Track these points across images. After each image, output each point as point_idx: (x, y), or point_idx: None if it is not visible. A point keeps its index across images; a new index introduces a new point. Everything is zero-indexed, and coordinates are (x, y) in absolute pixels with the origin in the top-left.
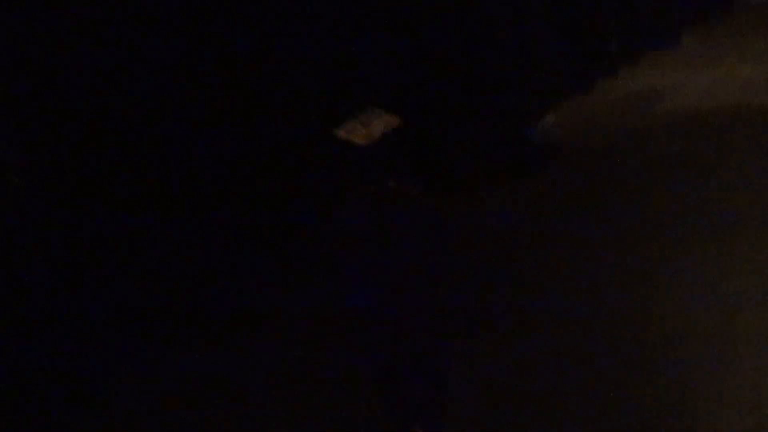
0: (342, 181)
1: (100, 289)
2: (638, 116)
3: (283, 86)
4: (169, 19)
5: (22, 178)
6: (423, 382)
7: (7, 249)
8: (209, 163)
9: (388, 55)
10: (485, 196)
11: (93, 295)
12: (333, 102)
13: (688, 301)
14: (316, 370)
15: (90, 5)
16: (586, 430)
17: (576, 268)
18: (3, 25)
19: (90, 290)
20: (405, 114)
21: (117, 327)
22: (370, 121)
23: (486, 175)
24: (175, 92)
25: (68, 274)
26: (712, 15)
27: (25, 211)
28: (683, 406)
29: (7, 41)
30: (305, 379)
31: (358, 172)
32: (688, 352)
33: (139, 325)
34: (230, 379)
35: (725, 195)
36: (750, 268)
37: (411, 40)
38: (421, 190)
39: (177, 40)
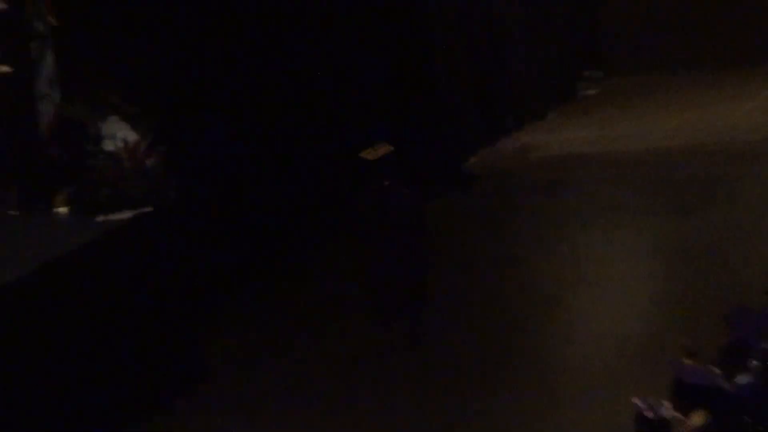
0: (361, 180)
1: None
2: (523, 159)
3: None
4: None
5: (177, 194)
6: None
7: (169, 252)
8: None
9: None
10: (441, 198)
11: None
12: (357, 137)
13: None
14: (343, 299)
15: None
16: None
17: (485, 248)
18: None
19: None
20: (396, 145)
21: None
22: (378, 148)
23: (442, 187)
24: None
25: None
26: (564, 100)
27: (180, 222)
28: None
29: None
30: (340, 304)
31: (370, 176)
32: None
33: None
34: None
35: (575, 203)
36: (589, 253)
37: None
38: (405, 188)
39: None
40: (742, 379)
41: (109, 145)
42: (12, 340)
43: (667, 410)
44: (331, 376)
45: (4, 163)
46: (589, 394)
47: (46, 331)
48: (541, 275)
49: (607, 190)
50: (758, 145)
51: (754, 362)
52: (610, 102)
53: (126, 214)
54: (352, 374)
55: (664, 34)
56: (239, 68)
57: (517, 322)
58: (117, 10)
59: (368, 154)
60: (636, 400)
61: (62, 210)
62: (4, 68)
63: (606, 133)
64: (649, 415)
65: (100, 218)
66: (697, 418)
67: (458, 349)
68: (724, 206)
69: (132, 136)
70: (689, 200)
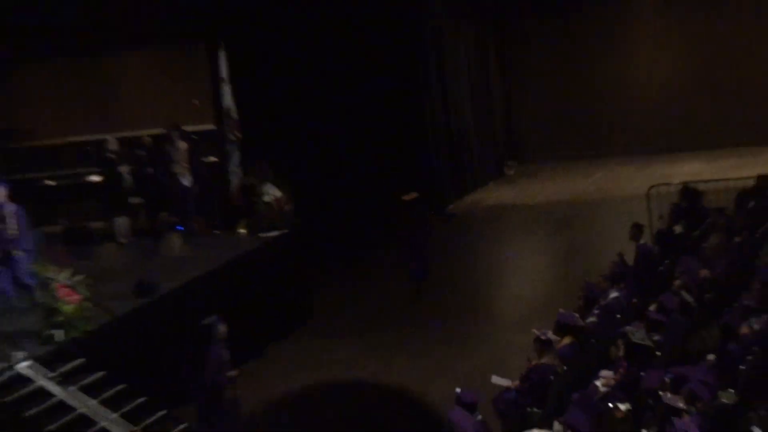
0: (400, 212)
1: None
2: (476, 205)
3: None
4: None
5: (299, 222)
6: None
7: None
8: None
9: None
10: (437, 227)
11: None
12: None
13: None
14: (392, 290)
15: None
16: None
17: (456, 252)
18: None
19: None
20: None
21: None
22: (411, 194)
23: (437, 220)
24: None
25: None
26: (497, 176)
27: (302, 236)
28: None
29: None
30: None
31: (407, 209)
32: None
33: None
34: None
35: (502, 229)
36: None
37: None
38: (423, 217)
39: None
40: (592, 321)
41: (266, 198)
42: (210, 302)
43: (550, 335)
44: (383, 318)
45: (212, 206)
46: (512, 329)
47: (230, 294)
48: (484, 268)
49: (519, 222)
50: (599, 197)
51: (597, 311)
52: (523, 177)
53: (275, 233)
54: (389, 314)
55: (560, 133)
56: (333, 157)
57: (471, 292)
58: (270, 131)
59: (407, 197)
60: (535, 330)
61: (242, 231)
62: (213, 158)
63: (520, 192)
64: (542, 336)
65: (262, 235)
66: (566, 340)
67: (444, 302)
68: (579, 231)
69: (278, 193)
70: (560, 227)
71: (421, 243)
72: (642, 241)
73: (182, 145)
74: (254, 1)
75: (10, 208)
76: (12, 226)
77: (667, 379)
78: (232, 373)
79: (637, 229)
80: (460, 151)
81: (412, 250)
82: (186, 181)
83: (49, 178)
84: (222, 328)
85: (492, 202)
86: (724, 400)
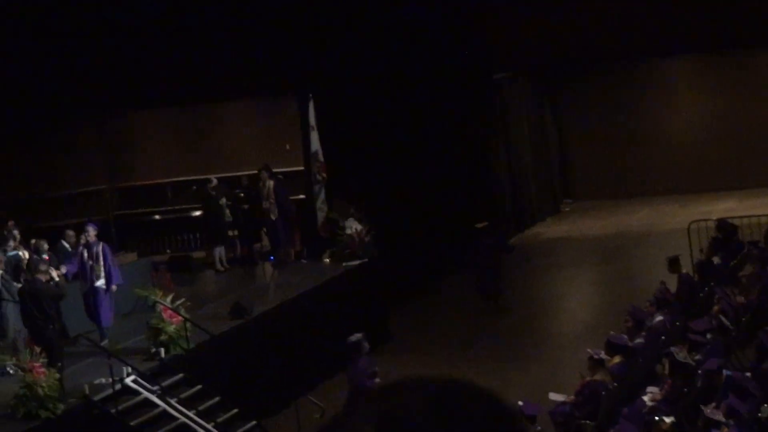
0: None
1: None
2: (535, 238)
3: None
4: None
5: (378, 251)
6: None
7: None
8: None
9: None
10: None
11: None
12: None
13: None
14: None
15: None
16: None
17: (518, 279)
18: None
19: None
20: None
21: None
22: (482, 223)
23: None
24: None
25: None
26: (553, 212)
27: (379, 264)
28: None
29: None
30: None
31: (480, 235)
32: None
33: None
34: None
35: (560, 259)
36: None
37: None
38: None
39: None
40: (639, 342)
41: (348, 231)
42: (297, 324)
43: (602, 354)
44: (452, 339)
45: (300, 238)
46: (567, 349)
47: (316, 316)
48: (541, 294)
49: (573, 253)
50: (644, 231)
51: (644, 333)
52: (577, 213)
53: (356, 262)
54: (457, 335)
55: (609, 174)
56: (409, 194)
57: (530, 316)
58: (352, 172)
59: (479, 225)
60: (588, 350)
61: (327, 260)
62: (301, 196)
63: (574, 227)
64: (594, 356)
65: (345, 264)
66: (616, 359)
67: (506, 325)
68: (626, 261)
69: (359, 227)
70: (610, 258)
71: (495, 264)
72: (683, 271)
73: (272, 184)
74: (340, 58)
75: (98, 247)
76: (99, 263)
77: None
78: (377, 380)
79: (673, 262)
80: (520, 190)
81: (486, 271)
82: (274, 215)
83: (157, 213)
84: (366, 344)
85: (549, 235)
86: (761, 414)
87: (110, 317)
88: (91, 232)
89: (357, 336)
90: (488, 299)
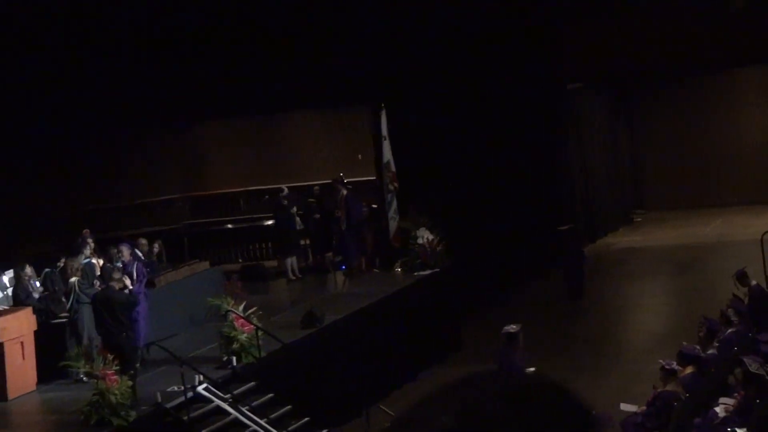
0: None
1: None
2: (608, 248)
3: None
4: None
5: (451, 261)
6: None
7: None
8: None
9: None
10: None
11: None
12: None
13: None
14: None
15: None
16: None
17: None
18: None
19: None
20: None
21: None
22: (565, 225)
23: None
24: None
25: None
26: (625, 223)
27: (452, 273)
28: None
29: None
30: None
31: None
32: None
33: None
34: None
35: (632, 269)
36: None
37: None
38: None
39: None
40: (712, 353)
41: (420, 240)
42: (369, 333)
43: (674, 365)
44: (530, 339)
45: (372, 247)
46: (639, 359)
47: (387, 325)
48: (613, 304)
49: (645, 263)
50: (717, 242)
51: (716, 344)
52: (649, 224)
53: (427, 272)
54: (528, 344)
55: (681, 184)
56: (481, 203)
57: (602, 326)
58: (424, 181)
59: (563, 228)
60: (660, 360)
61: (399, 270)
62: (374, 205)
63: (646, 237)
64: (666, 366)
65: (416, 274)
66: (688, 369)
67: (578, 335)
68: (699, 272)
69: (430, 236)
70: (682, 268)
71: (577, 265)
72: (754, 283)
73: (344, 194)
74: (412, 69)
75: (133, 267)
76: (133, 283)
77: None
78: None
79: (741, 277)
80: (593, 200)
81: (573, 270)
82: (346, 225)
83: (229, 222)
84: (522, 336)
85: (621, 245)
86: None
87: (144, 336)
88: (125, 252)
89: (514, 327)
90: (574, 297)
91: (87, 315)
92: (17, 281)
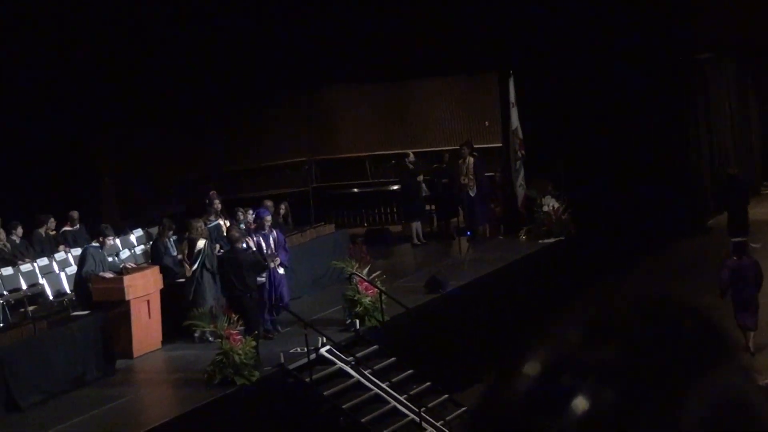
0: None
1: None
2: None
3: None
4: None
5: (576, 230)
6: None
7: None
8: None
9: None
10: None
11: None
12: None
13: None
14: None
15: None
16: None
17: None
18: None
19: None
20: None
21: None
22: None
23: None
24: None
25: None
26: (756, 194)
27: (577, 243)
28: None
29: None
30: None
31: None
32: None
33: None
34: None
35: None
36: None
37: None
38: None
39: None
40: None
41: (546, 208)
42: (494, 295)
43: None
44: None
45: (498, 214)
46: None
47: (510, 292)
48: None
49: None
50: None
51: None
52: None
53: (552, 240)
54: None
55: None
56: (608, 173)
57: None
58: (552, 149)
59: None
60: None
61: (523, 238)
62: (499, 173)
63: None
64: None
65: (541, 242)
66: None
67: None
68: None
69: (556, 204)
70: None
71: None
72: None
73: (471, 160)
74: (541, 35)
75: (273, 234)
76: (273, 248)
77: None
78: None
79: None
80: (720, 171)
81: (738, 211)
82: (473, 191)
83: (355, 186)
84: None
85: (750, 217)
86: None
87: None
88: (267, 219)
89: (741, 238)
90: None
91: (211, 276)
92: (159, 236)
